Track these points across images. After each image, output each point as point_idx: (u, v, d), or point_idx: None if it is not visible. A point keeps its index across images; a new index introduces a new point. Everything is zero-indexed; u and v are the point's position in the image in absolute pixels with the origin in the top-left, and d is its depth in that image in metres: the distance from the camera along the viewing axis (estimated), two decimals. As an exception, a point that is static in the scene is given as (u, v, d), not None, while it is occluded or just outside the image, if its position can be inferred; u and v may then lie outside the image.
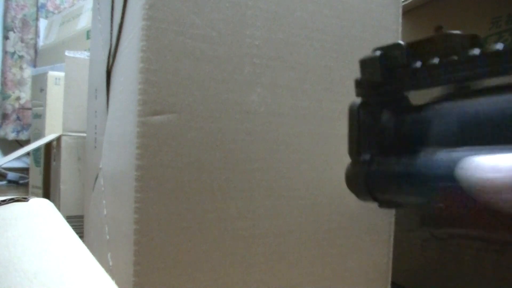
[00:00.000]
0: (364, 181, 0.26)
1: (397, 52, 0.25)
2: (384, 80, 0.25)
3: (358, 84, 0.27)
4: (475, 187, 0.17)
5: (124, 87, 0.41)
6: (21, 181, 1.79)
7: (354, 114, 0.27)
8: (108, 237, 0.45)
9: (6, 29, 1.88)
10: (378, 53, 0.25)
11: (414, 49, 0.24)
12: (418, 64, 0.24)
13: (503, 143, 0.19)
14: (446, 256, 0.56)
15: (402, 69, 0.25)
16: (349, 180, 0.27)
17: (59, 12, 1.84)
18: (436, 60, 0.23)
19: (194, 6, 0.36)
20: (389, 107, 0.26)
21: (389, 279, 0.47)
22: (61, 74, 0.89)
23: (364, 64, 0.26)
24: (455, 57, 0.22)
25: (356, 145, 0.27)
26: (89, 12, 1.27)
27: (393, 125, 0.25)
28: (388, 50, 0.25)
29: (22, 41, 1.90)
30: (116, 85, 0.46)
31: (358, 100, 0.27)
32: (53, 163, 0.91)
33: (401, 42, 0.25)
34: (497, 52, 0.20)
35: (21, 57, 1.90)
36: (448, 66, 0.22)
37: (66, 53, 0.80)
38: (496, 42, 0.51)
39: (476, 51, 0.21)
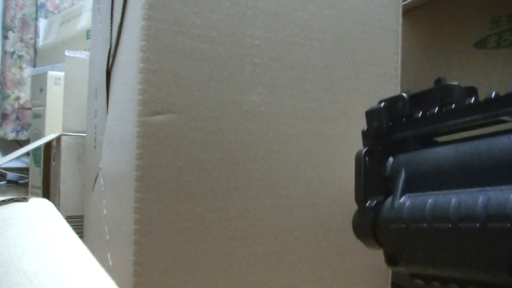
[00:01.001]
0: (370, 228, 0.26)
1: (400, 103, 0.27)
2: (388, 129, 0.27)
3: (365, 135, 0.29)
4: None
5: (124, 87, 0.41)
6: (20, 181, 1.79)
7: (360, 162, 0.28)
8: (108, 237, 0.45)
9: (6, 29, 1.88)
10: (382, 104, 0.27)
11: (415, 100, 0.26)
12: (420, 114, 0.25)
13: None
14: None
15: (405, 119, 0.26)
16: (355, 227, 0.28)
17: (59, 12, 1.84)
18: (435, 110, 0.25)
19: (194, 6, 0.36)
20: (394, 155, 0.27)
21: (389, 279, 0.47)
22: (61, 74, 0.89)
23: (370, 115, 0.28)
24: (452, 106, 0.24)
25: (362, 192, 0.28)
26: (89, 12, 1.27)
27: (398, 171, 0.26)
28: (392, 102, 0.27)
29: (21, 40, 1.90)
30: (116, 85, 0.46)
31: (364, 149, 0.29)
32: (53, 163, 0.91)
33: (403, 94, 0.27)
34: (490, 100, 0.21)
35: (20, 57, 1.90)
36: (447, 115, 0.24)
37: (66, 53, 0.80)
38: (496, 42, 0.51)
39: (471, 100, 0.23)
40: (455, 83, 0.24)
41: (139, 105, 0.35)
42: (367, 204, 0.27)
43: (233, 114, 0.38)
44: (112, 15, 0.48)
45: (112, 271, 0.42)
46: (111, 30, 0.49)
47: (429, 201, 0.22)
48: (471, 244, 0.20)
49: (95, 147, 0.58)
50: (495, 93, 0.21)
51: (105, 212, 0.47)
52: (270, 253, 0.40)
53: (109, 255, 0.44)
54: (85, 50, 1.08)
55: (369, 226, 0.26)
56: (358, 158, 0.28)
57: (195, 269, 0.37)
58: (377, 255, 0.46)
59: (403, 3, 0.54)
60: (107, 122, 0.49)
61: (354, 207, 0.44)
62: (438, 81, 0.25)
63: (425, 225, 0.22)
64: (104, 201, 0.49)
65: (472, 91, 0.24)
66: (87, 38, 1.22)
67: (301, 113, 0.41)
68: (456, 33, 0.57)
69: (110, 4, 0.49)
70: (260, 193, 0.39)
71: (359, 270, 0.45)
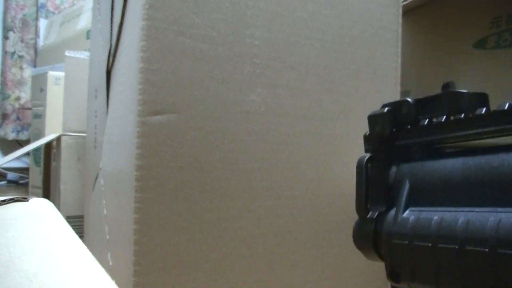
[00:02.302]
0: (371, 240, 0.26)
1: (405, 109, 0.25)
2: (392, 135, 0.26)
3: (367, 139, 0.28)
4: None
5: (124, 87, 0.41)
6: (21, 181, 1.79)
7: (362, 169, 0.27)
8: (108, 237, 0.45)
9: (6, 29, 1.88)
10: (386, 109, 0.26)
11: (421, 105, 0.25)
12: (426, 121, 0.24)
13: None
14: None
15: (410, 125, 0.25)
16: (356, 238, 0.27)
17: (59, 12, 1.84)
18: (443, 118, 0.23)
19: (194, 6, 0.36)
20: (397, 163, 0.26)
21: (389, 279, 0.47)
22: (61, 74, 0.89)
23: (373, 119, 0.27)
24: (462, 116, 0.22)
25: (363, 201, 0.27)
26: (89, 12, 1.27)
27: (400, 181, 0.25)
28: (396, 106, 0.26)
29: (22, 41, 1.90)
30: (116, 85, 0.46)
31: (366, 155, 0.27)
32: (53, 163, 0.91)
33: (409, 99, 0.25)
34: (503, 111, 0.20)
35: (21, 57, 1.90)
36: (455, 125, 0.22)
37: (66, 53, 0.80)
38: (496, 42, 0.51)
39: (482, 110, 0.21)
40: (465, 90, 0.23)
41: (139, 105, 0.35)
42: (368, 215, 0.26)
43: (233, 114, 0.38)
44: (112, 15, 0.48)
45: (112, 271, 0.42)
46: (111, 30, 0.49)
47: (435, 218, 0.21)
48: (478, 268, 0.19)
49: (95, 147, 0.58)
50: (509, 104, 0.20)
51: (105, 212, 0.47)
52: (270, 253, 0.40)
53: (109, 255, 0.44)
54: (85, 50, 1.08)
55: (370, 238, 0.26)
56: (360, 165, 0.27)
57: (195, 269, 0.37)
58: (377, 255, 0.46)
59: (403, 3, 0.54)
60: (107, 122, 0.49)
61: (354, 207, 0.44)
62: (446, 86, 0.24)
63: (430, 243, 0.21)
64: (104, 201, 0.49)
65: (482, 98, 0.23)
66: (87, 38, 1.22)
67: (301, 113, 0.41)
68: (456, 33, 0.57)
69: (110, 4, 0.49)
70: (260, 193, 0.39)
71: (359, 270, 0.45)
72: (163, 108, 0.35)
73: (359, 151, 0.44)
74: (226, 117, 0.38)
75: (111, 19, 0.49)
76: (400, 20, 0.47)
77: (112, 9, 0.48)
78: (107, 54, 0.49)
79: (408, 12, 0.62)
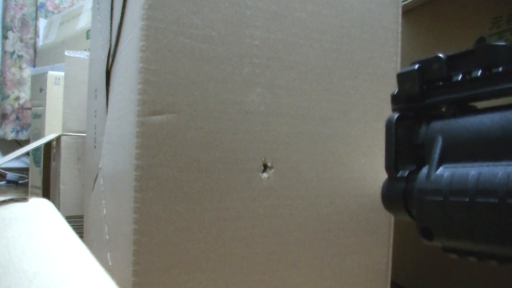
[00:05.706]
0: (401, 198, 0.25)
1: (436, 65, 0.24)
2: (422, 93, 0.25)
3: (395, 98, 0.27)
4: None
5: (124, 87, 0.41)
6: (20, 181, 1.79)
7: (391, 129, 0.26)
8: (107, 237, 0.45)
9: (5, 29, 1.88)
10: (416, 66, 0.25)
11: (453, 62, 0.24)
12: (460, 77, 0.23)
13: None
14: (446, 256, 0.56)
15: (442, 82, 0.24)
16: (385, 197, 0.27)
17: (59, 11, 1.84)
18: (478, 73, 0.22)
19: (193, 6, 0.36)
20: (427, 121, 0.25)
21: (389, 279, 0.47)
22: (61, 74, 0.89)
23: (402, 77, 0.26)
24: (499, 69, 0.21)
25: (393, 161, 0.26)
26: (89, 12, 1.27)
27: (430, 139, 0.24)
28: (427, 63, 0.25)
29: (21, 40, 1.90)
30: (115, 85, 0.46)
31: (394, 114, 0.27)
32: (53, 163, 0.91)
33: (440, 55, 0.24)
34: None
35: (20, 56, 1.90)
36: (493, 79, 0.22)
37: (66, 53, 0.80)
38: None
39: None
40: (502, 43, 0.22)
41: (138, 105, 0.35)
42: (398, 174, 0.26)
43: (232, 114, 0.38)
44: (111, 15, 0.48)
45: (112, 271, 0.42)
46: (111, 30, 0.49)
47: (472, 173, 0.21)
48: None
49: (95, 147, 0.58)
50: None
51: (104, 212, 0.48)
52: (269, 253, 0.40)
53: (109, 255, 0.44)
54: (85, 50, 1.08)
55: (400, 197, 0.25)
56: (389, 124, 0.26)
57: (195, 269, 0.37)
58: (377, 255, 0.46)
59: (403, 3, 0.54)
60: (106, 122, 0.49)
61: (353, 207, 0.44)
62: (480, 40, 0.22)
63: (467, 198, 0.20)
64: (103, 201, 0.49)
65: None
66: (87, 38, 1.22)
67: (300, 113, 0.41)
68: (456, 33, 0.57)
69: (110, 4, 0.49)
70: (260, 193, 0.39)
71: (359, 270, 0.45)
72: (163, 108, 0.35)
73: (358, 151, 0.44)
74: (225, 117, 0.38)
75: (111, 19, 0.49)
76: (400, 20, 0.47)
77: (111, 9, 0.48)
78: (107, 54, 0.49)
79: (408, 12, 0.62)
